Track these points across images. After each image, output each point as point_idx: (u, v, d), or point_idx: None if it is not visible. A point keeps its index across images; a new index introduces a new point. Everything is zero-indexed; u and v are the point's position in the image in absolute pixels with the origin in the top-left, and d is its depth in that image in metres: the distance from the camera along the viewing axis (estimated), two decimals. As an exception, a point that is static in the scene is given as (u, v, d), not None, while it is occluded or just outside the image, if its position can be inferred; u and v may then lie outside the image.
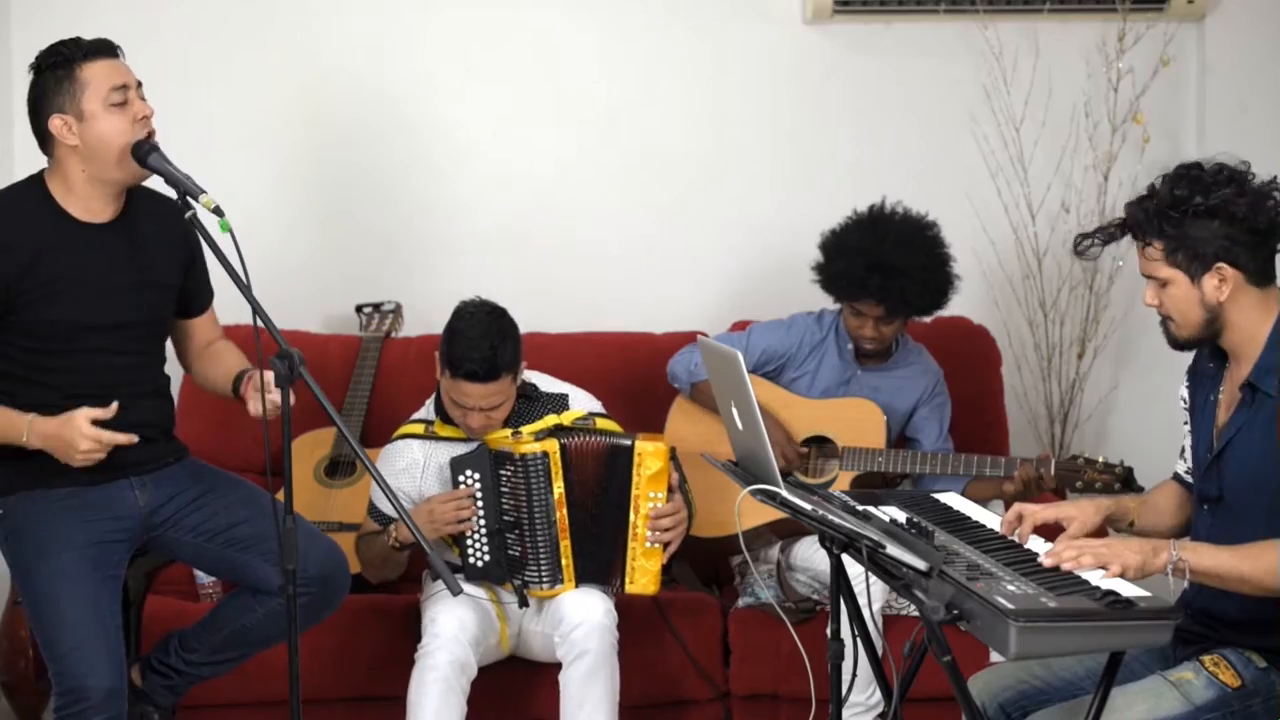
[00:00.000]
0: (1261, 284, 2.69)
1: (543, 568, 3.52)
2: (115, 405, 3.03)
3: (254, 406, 3.10)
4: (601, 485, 3.56)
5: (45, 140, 3.13)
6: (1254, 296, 2.68)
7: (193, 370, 3.44)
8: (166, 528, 3.25)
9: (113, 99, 3.06)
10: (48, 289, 3.07)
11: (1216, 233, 2.64)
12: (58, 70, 3.08)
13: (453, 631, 3.43)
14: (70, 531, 3.09)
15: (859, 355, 4.04)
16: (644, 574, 3.55)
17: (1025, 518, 2.77)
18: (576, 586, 3.54)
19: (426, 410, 3.74)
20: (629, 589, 3.56)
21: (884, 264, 3.83)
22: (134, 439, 3.06)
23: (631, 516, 3.54)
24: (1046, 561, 2.53)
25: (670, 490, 3.56)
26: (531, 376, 3.75)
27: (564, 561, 3.53)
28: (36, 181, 3.16)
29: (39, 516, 3.10)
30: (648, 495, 3.53)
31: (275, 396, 2.94)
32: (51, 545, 3.07)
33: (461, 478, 3.53)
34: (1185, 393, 2.90)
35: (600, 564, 3.56)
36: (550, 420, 3.61)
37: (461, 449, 3.59)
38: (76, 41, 3.12)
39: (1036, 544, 2.72)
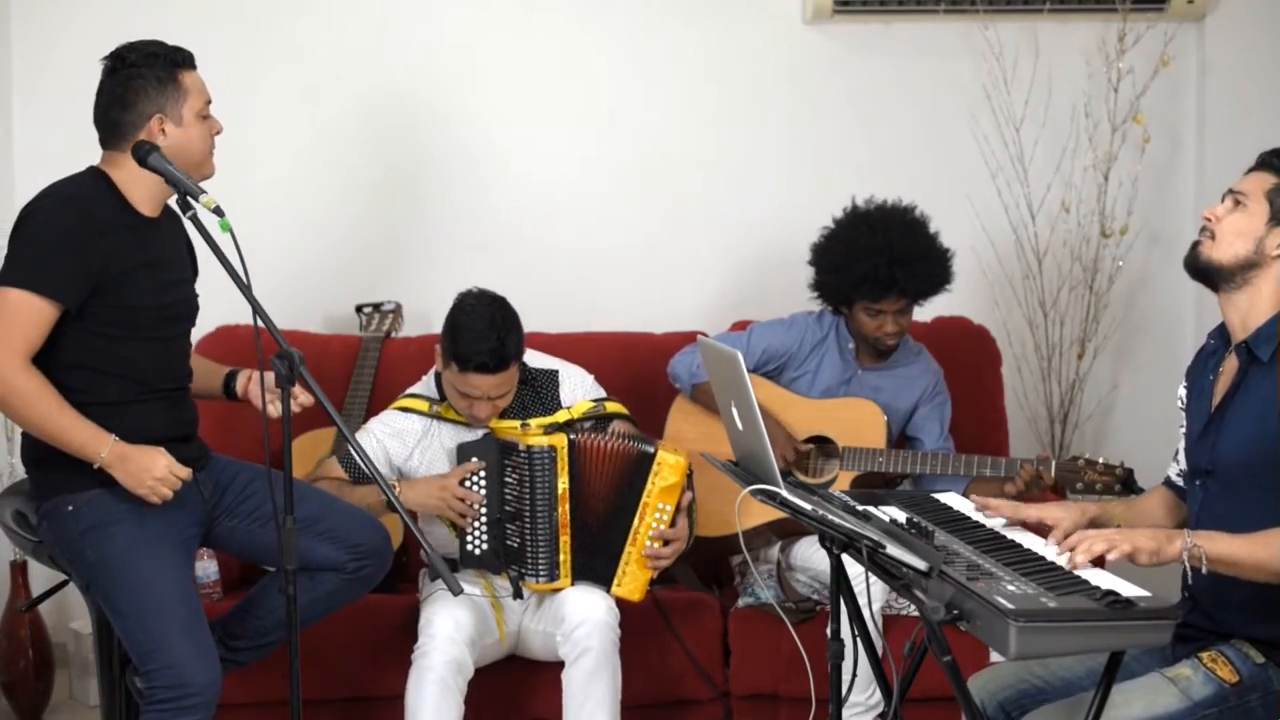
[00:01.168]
0: None
1: (540, 561, 3.53)
2: (190, 471, 3.13)
3: (263, 405, 3.18)
4: (612, 486, 3.55)
5: (123, 131, 3.16)
6: None
7: None
8: (224, 517, 3.30)
9: (205, 112, 3.22)
10: (125, 275, 3.11)
11: None
12: (159, 71, 3.17)
13: (448, 632, 3.44)
14: (162, 528, 3.12)
15: (860, 355, 4.04)
16: (633, 580, 3.55)
17: (1007, 509, 2.81)
18: (573, 584, 3.55)
19: (426, 387, 3.75)
20: (615, 590, 3.56)
21: (898, 256, 3.85)
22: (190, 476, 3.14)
23: (635, 522, 3.53)
24: (1059, 553, 2.53)
25: (679, 510, 3.55)
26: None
27: (562, 557, 3.53)
28: (98, 174, 3.19)
29: (125, 513, 3.11)
30: (657, 505, 3.53)
31: (304, 398, 3.08)
32: (147, 540, 3.09)
33: (479, 464, 3.55)
34: (1183, 392, 2.90)
35: (600, 563, 3.56)
36: (561, 416, 3.62)
37: (465, 433, 3.60)
38: (165, 45, 3.22)
39: (1030, 541, 2.72)
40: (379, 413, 3.77)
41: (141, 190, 3.16)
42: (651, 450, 3.54)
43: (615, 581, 3.55)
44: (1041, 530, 2.79)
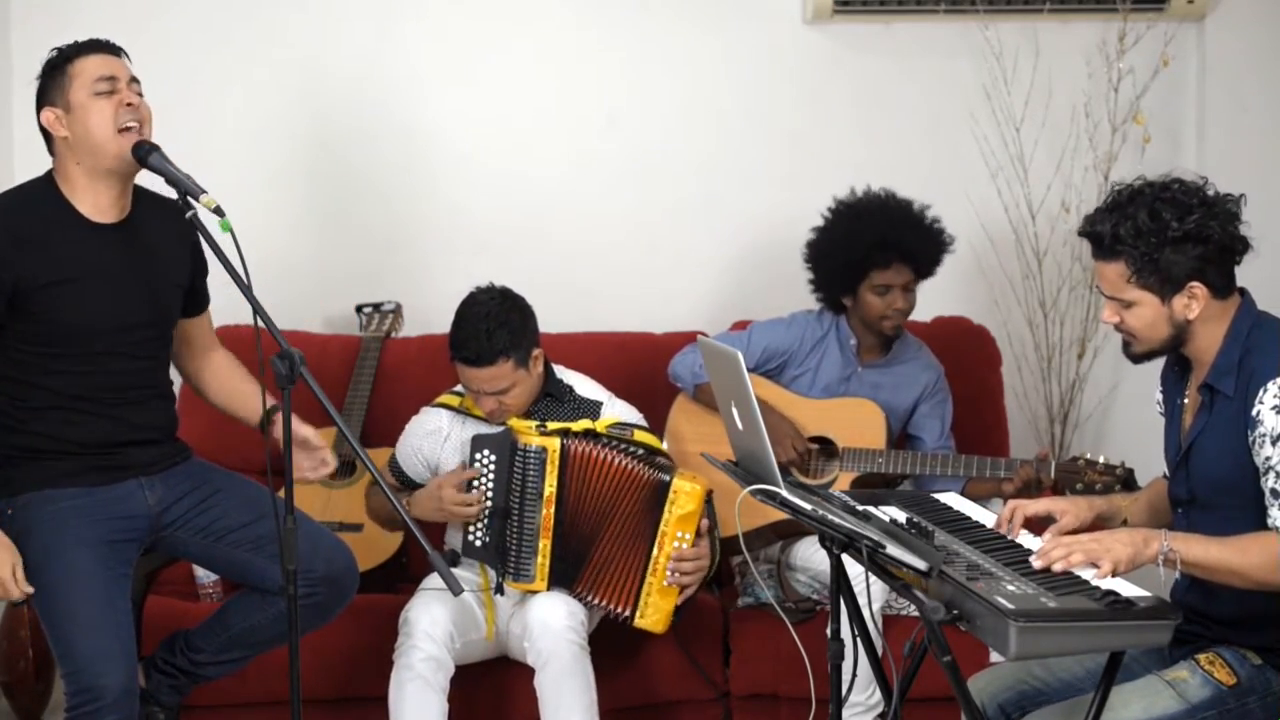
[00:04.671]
0: (1224, 297, 2.70)
1: (522, 560, 3.52)
2: None
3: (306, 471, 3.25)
4: (609, 502, 3.54)
5: (46, 139, 3.17)
6: (1216, 308, 2.69)
7: (191, 375, 3.45)
8: (175, 528, 3.26)
9: (98, 88, 3.10)
10: (60, 288, 3.07)
11: (1191, 255, 2.64)
12: (54, 69, 3.14)
13: (424, 628, 3.44)
14: (81, 530, 3.09)
15: (861, 352, 4.05)
16: (656, 610, 3.53)
17: (1017, 511, 2.78)
18: (548, 588, 3.53)
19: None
20: (638, 622, 3.54)
21: (898, 222, 3.92)
22: None
23: (655, 551, 3.51)
24: (1036, 563, 2.52)
25: (699, 535, 3.54)
26: (570, 378, 3.76)
27: (539, 560, 3.52)
28: (47, 180, 3.18)
29: (49, 516, 3.10)
30: (675, 534, 3.51)
31: (327, 468, 3.22)
32: (63, 544, 3.08)
33: (478, 455, 3.55)
34: (1160, 395, 2.92)
35: (577, 572, 3.55)
36: (584, 424, 3.61)
37: (488, 429, 3.60)
38: (70, 44, 3.17)
39: (1031, 541, 2.72)
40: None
41: (81, 192, 3.13)
42: (668, 479, 3.51)
43: (638, 613, 3.53)
44: (1048, 523, 2.80)
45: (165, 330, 3.30)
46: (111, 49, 3.17)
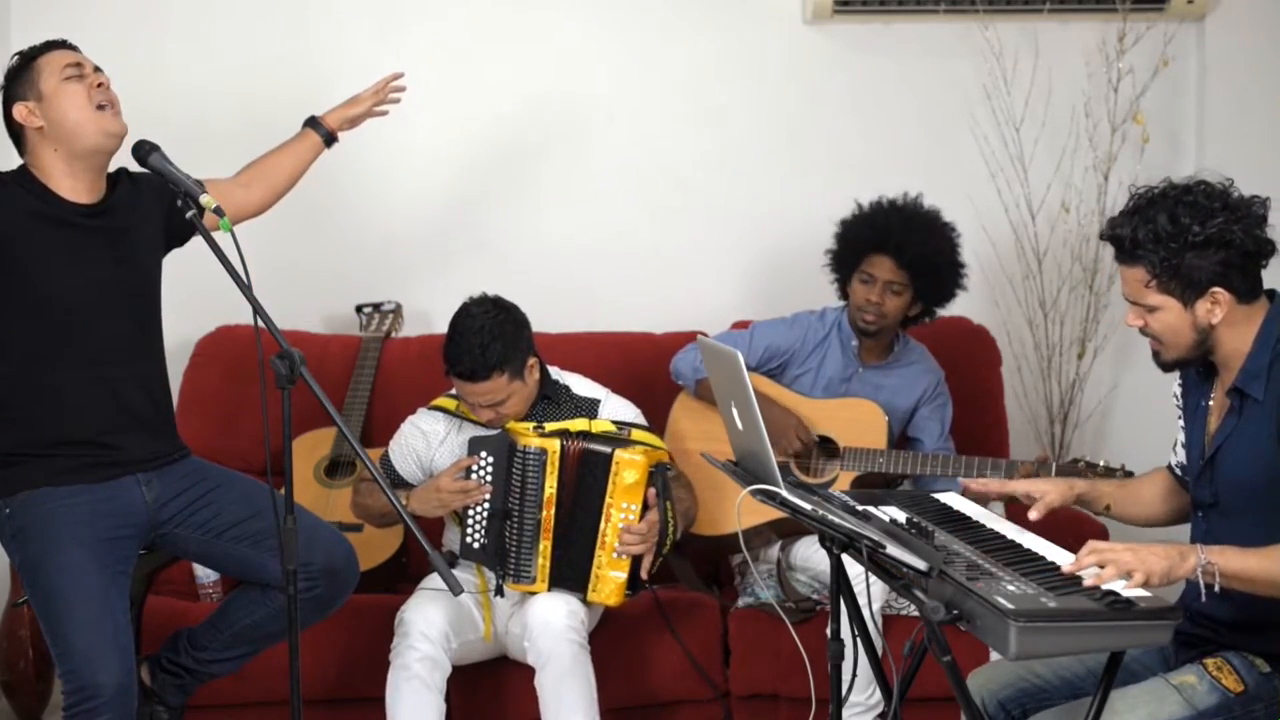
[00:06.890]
0: (1250, 301, 2.67)
1: (521, 562, 3.53)
2: None
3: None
4: (582, 489, 3.54)
5: (15, 135, 3.20)
6: (1242, 312, 2.66)
7: (261, 202, 3.65)
8: (174, 524, 3.26)
9: (67, 73, 3.16)
10: (37, 259, 3.11)
11: (1213, 260, 2.61)
12: (19, 69, 3.20)
13: (420, 628, 3.45)
14: (78, 528, 3.10)
15: (863, 352, 4.05)
16: (607, 584, 3.53)
17: (994, 485, 2.82)
18: (549, 589, 3.54)
19: None
20: (591, 597, 3.54)
21: (898, 215, 3.95)
22: None
23: (602, 525, 3.52)
24: (1068, 568, 2.48)
25: (646, 506, 3.53)
26: (567, 379, 3.76)
27: (540, 561, 3.53)
28: (21, 170, 3.22)
29: (46, 514, 3.11)
30: (620, 505, 3.51)
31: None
32: (59, 542, 3.08)
33: (475, 458, 3.54)
34: (1178, 390, 2.90)
35: (578, 570, 3.55)
36: (579, 424, 3.61)
37: (485, 432, 3.60)
38: (33, 45, 3.24)
39: (1032, 541, 2.72)
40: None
41: (58, 178, 3.16)
42: (608, 451, 3.51)
43: (590, 587, 3.54)
44: (1030, 520, 2.79)
45: (147, 298, 3.31)
46: (69, 46, 3.23)
